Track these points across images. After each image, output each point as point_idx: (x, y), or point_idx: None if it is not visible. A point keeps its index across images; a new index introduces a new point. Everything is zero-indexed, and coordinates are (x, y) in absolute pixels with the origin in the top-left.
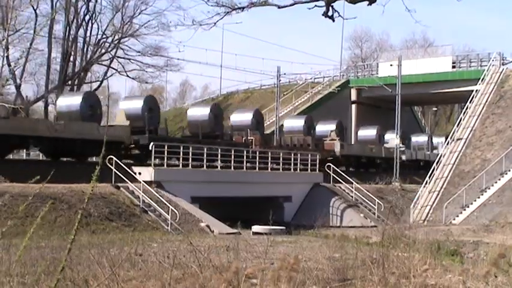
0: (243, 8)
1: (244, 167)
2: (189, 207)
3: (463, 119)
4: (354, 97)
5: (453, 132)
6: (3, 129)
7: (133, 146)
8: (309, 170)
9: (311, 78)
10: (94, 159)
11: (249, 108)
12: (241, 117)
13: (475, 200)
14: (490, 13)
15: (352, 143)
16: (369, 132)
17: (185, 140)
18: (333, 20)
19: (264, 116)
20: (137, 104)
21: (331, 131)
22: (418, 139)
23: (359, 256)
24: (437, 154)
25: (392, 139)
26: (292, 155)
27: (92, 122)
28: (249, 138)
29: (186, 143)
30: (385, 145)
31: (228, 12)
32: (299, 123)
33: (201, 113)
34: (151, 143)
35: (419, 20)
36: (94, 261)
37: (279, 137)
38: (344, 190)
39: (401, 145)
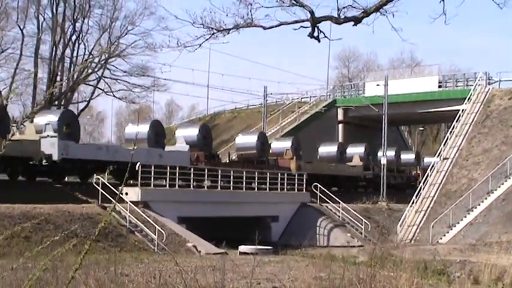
0: (229, 29)
1: (231, 187)
2: (175, 227)
3: (450, 139)
4: (340, 117)
5: (439, 152)
6: None
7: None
8: (296, 189)
9: (298, 98)
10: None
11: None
12: (246, 139)
13: (462, 220)
14: (476, 33)
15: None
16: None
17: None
18: (319, 41)
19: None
20: (193, 132)
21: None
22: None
23: (346, 276)
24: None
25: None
26: (279, 174)
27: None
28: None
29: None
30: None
31: (213, 34)
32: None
33: (249, 140)
34: (138, 164)
35: (406, 38)
36: (80, 281)
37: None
38: (331, 210)
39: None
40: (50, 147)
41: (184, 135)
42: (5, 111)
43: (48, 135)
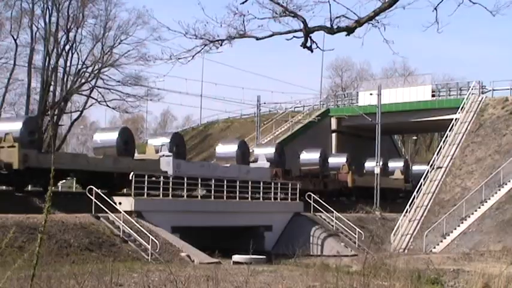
0: (222, 40)
1: (224, 197)
2: (169, 237)
3: (443, 148)
4: (334, 126)
5: (432, 161)
6: None
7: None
8: (289, 199)
9: (291, 108)
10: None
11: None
12: (310, 156)
13: (455, 229)
14: (469, 42)
15: None
16: (312, 156)
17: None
18: (312, 51)
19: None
20: (271, 150)
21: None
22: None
23: (339, 285)
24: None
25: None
26: (273, 184)
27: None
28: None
29: (307, 183)
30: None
31: (205, 45)
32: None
33: (313, 156)
34: (132, 173)
35: (397, 50)
36: None
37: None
38: (324, 219)
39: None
40: (166, 165)
41: (265, 153)
42: (130, 135)
43: (164, 155)
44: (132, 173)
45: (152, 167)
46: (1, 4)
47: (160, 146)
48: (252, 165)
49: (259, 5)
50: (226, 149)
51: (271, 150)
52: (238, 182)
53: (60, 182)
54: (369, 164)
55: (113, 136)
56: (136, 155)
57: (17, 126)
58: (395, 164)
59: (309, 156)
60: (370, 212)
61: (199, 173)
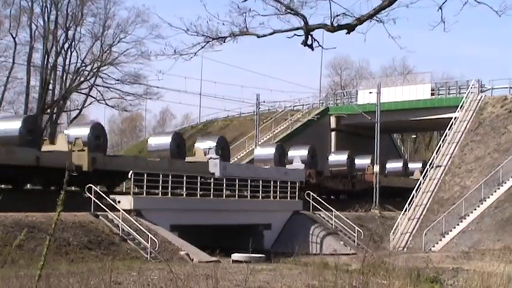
0: (225, 37)
1: (223, 195)
2: (168, 235)
3: (442, 146)
4: (333, 125)
5: (431, 160)
6: None
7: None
8: (289, 197)
9: (290, 106)
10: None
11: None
12: (338, 157)
13: (455, 227)
14: (469, 41)
15: None
16: (396, 165)
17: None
18: (312, 49)
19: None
20: (305, 152)
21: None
22: (393, 165)
23: (339, 284)
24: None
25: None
26: (272, 182)
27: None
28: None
29: (337, 183)
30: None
31: (208, 42)
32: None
33: (341, 158)
34: (131, 172)
35: (396, 49)
36: None
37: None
38: (324, 218)
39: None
40: (214, 167)
41: (299, 155)
42: (182, 139)
43: (211, 157)
44: (164, 174)
45: (202, 169)
46: (0, 2)
47: (207, 149)
48: (289, 167)
49: (261, 2)
50: (265, 151)
51: (304, 152)
52: (237, 181)
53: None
54: (390, 165)
55: (166, 140)
56: (190, 159)
57: (213, 143)
58: (415, 165)
59: (337, 157)
60: (369, 210)
61: (243, 174)
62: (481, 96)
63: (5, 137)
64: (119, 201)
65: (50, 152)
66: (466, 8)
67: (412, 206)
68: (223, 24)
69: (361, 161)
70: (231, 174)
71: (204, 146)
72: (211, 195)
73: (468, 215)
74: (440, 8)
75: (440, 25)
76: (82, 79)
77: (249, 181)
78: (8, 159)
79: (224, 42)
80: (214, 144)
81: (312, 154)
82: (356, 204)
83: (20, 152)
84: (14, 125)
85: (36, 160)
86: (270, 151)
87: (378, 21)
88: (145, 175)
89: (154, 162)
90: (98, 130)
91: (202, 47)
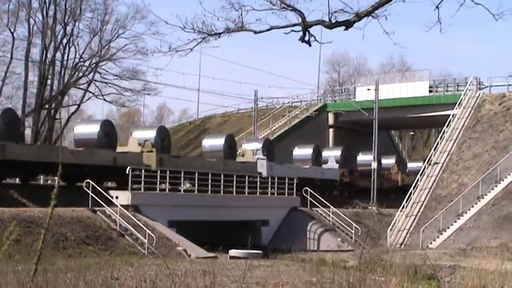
0: (220, 33)
1: (221, 191)
2: (166, 231)
3: (440, 144)
4: (331, 121)
5: (429, 157)
6: None
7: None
8: (286, 194)
9: (288, 102)
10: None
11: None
12: (365, 158)
13: (452, 224)
14: (467, 38)
15: None
16: (419, 164)
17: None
18: (310, 45)
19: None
20: (338, 153)
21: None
22: (415, 165)
23: (336, 280)
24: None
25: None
26: (270, 179)
27: None
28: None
29: (367, 181)
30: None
31: (204, 38)
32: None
33: (369, 158)
34: (129, 168)
35: (395, 46)
36: (70, 285)
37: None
38: (321, 214)
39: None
40: (261, 167)
41: (334, 155)
42: (234, 141)
43: (259, 158)
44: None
45: (251, 169)
46: None
47: (255, 150)
48: (325, 166)
49: None
50: (303, 151)
51: (338, 153)
52: (235, 177)
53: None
54: (412, 165)
55: (220, 142)
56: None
57: (259, 145)
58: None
59: (366, 157)
60: (366, 207)
61: (286, 174)
62: (479, 94)
63: (86, 139)
64: (116, 197)
65: (125, 153)
66: (463, 8)
67: (410, 203)
68: (218, 19)
69: (387, 161)
70: (276, 173)
71: (252, 147)
72: (209, 191)
73: (466, 212)
74: (437, 7)
75: (436, 25)
76: (80, 74)
77: (246, 177)
78: (89, 159)
79: (219, 37)
80: (261, 145)
81: (345, 154)
82: (354, 201)
83: (99, 153)
84: (93, 129)
85: (113, 160)
86: (307, 151)
87: (374, 17)
88: (143, 171)
89: (211, 162)
90: (163, 132)
91: (198, 43)
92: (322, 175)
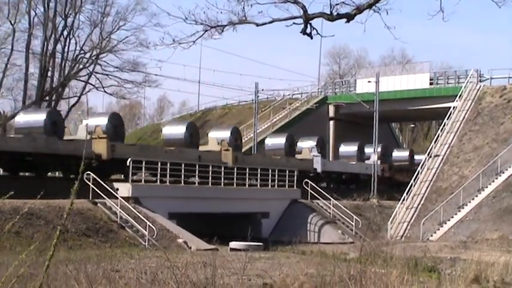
0: (223, 26)
1: (222, 183)
2: (166, 223)
3: (441, 136)
4: (332, 113)
5: (431, 149)
6: None
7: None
8: (287, 186)
9: (289, 95)
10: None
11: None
12: (399, 154)
13: (453, 217)
14: (468, 30)
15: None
16: (402, 154)
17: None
18: (311, 38)
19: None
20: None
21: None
22: (398, 154)
23: (336, 272)
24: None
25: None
26: (270, 171)
27: None
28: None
29: (404, 176)
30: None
31: (206, 31)
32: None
33: (403, 154)
34: (129, 159)
35: (398, 36)
36: (71, 277)
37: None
38: (322, 206)
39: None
40: (316, 163)
41: (397, 155)
42: (293, 139)
43: (314, 155)
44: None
45: (307, 166)
46: None
47: (311, 148)
48: (367, 162)
49: None
50: (348, 148)
51: (379, 149)
52: (235, 169)
53: None
54: (417, 158)
55: (281, 140)
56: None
57: (313, 143)
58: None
59: (400, 154)
60: (367, 199)
61: (336, 169)
62: (480, 86)
63: (173, 139)
64: (117, 189)
65: (208, 151)
66: None
67: (410, 196)
68: (221, 12)
69: (418, 157)
70: (329, 169)
71: (307, 145)
72: (209, 183)
73: (466, 205)
74: None
75: (439, 15)
76: (81, 66)
77: (247, 169)
78: (179, 157)
79: (223, 31)
80: (315, 143)
81: (385, 152)
82: (354, 193)
83: (187, 152)
84: (180, 130)
85: (198, 158)
86: (352, 148)
87: (375, 11)
88: (144, 163)
89: (276, 159)
90: (116, 119)
91: (201, 36)
92: (366, 170)
